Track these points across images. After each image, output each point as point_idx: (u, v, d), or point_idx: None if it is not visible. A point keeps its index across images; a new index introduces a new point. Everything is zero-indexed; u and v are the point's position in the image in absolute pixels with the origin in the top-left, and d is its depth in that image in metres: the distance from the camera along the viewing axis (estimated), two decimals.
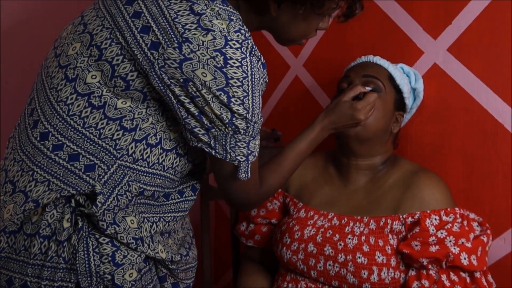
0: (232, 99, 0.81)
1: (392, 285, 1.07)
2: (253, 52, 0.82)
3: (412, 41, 1.32)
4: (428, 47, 1.29)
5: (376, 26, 1.39)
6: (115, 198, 0.83)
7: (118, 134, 0.84)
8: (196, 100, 0.81)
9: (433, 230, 1.06)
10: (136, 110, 0.84)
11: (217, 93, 0.80)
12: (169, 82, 0.80)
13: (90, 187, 0.82)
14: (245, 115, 0.82)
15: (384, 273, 1.06)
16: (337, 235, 1.13)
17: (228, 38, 0.79)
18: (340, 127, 1.12)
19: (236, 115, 0.82)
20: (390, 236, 1.09)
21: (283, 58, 1.65)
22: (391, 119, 1.20)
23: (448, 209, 1.08)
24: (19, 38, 1.64)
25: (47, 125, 0.85)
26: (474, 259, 1.03)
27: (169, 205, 0.96)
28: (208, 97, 0.80)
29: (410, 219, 1.09)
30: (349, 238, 1.11)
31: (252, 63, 0.82)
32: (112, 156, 0.84)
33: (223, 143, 0.84)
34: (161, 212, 0.94)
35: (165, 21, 0.79)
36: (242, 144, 0.85)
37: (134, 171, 0.86)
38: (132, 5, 0.82)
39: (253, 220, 1.32)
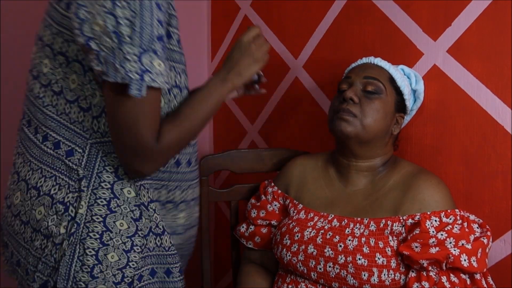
0: (117, 2, 0.79)
1: (392, 287, 1.07)
2: None
3: (411, 43, 1.32)
4: (428, 48, 1.29)
5: (376, 27, 1.40)
6: (96, 176, 0.90)
7: (81, 116, 0.90)
8: (85, 21, 0.81)
9: (433, 231, 1.06)
10: (84, 88, 0.90)
11: (101, 1, 0.79)
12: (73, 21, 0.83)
13: (75, 172, 0.90)
14: (130, 18, 0.80)
15: (384, 274, 1.06)
16: (337, 237, 1.13)
17: None
18: (243, 69, 1.04)
19: (120, 20, 0.80)
20: (390, 237, 1.09)
21: (283, 59, 1.65)
22: (391, 121, 1.20)
23: (448, 211, 1.08)
24: (19, 38, 1.64)
25: (35, 121, 0.94)
26: (474, 261, 1.03)
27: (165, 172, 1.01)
28: (94, 10, 0.80)
29: (410, 220, 1.09)
30: (349, 240, 1.11)
31: None
32: (83, 138, 0.91)
33: (112, 61, 0.80)
34: (158, 179, 0.99)
35: None
36: (132, 57, 0.80)
37: (105, 144, 0.91)
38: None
39: (253, 221, 1.32)
